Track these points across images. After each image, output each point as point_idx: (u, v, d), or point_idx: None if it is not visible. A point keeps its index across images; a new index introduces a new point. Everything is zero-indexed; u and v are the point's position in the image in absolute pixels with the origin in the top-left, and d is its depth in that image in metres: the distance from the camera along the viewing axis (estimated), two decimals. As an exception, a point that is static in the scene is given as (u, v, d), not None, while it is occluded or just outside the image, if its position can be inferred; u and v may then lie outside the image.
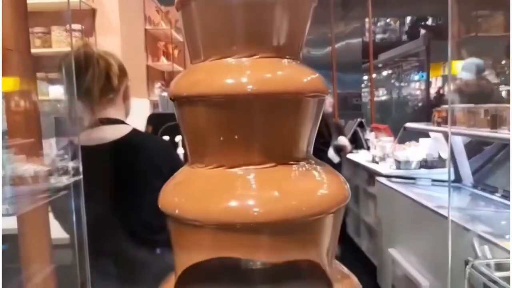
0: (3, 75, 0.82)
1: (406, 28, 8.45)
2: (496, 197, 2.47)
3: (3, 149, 0.83)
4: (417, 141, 3.37)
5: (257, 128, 0.54)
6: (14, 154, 0.86)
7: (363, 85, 7.65)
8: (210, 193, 0.53)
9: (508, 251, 1.63)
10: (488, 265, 1.27)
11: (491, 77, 6.69)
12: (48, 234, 0.90)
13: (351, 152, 3.58)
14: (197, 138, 0.57)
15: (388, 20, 8.75)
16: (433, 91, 7.14)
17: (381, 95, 8.99)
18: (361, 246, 3.70)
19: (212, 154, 0.56)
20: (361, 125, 4.33)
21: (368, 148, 3.96)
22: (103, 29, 3.10)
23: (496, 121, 2.21)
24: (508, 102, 2.85)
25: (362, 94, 7.14)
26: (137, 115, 1.37)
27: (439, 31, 6.95)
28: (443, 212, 2.28)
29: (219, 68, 0.55)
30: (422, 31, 7.77)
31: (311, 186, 0.54)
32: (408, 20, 8.42)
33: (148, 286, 1.02)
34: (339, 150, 3.07)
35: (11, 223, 0.87)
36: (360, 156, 3.81)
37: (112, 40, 3.09)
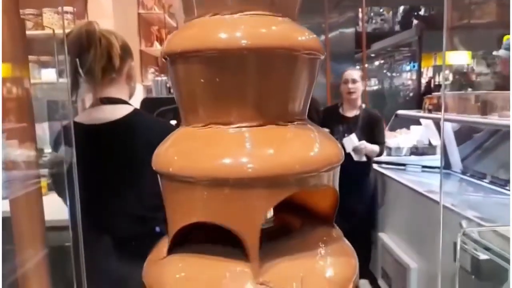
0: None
1: (399, 18, 8.46)
2: (484, 183, 2.53)
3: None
4: (408, 128, 3.41)
5: (252, 85, 0.54)
6: (6, 139, 0.87)
7: (355, 75, 7.64)
8: (204, 151, 0.53)
9: (496, 233, 1.67)
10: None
11: (481, 68, 6.74)
12: (42, 217, 0.90)
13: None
14: (191, 96, 0.57)
15: (381, 10, 8.75)
16: (424, 81, 7.19)
17: (373, 85, 9.02)
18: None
19: (205, 113, 0.56)
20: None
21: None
22: (95, 12, 3.06)
23: (486, 108, 2.25)
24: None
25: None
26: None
27: (431, 21, 6.96)
28: (433, 196, 2.33)
29: (212, 24, 0.55)
30: (415, 21, 7.78)
31: (305, 145, 0.54)
32: (401, 9, 8.43)
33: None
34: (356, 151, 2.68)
35: (4, 207, 0.88)
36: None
37: (105, 24, 3.03)
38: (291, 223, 0.57)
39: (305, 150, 0.53)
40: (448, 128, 2.73)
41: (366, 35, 5.16)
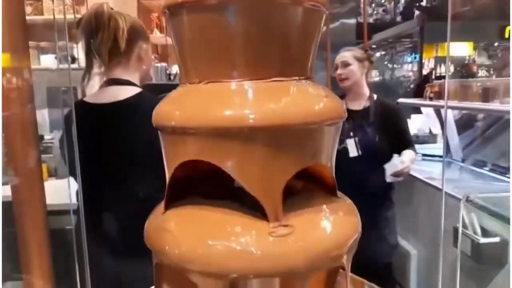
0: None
1: (401, 8, 8.40)
2: (484, 171, 2.53)
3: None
4: (409, 117, 3.41)
5: (254, 37, 0.53)
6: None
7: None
8: (206, 104, 0.52)
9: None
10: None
11: (483, 59, 6.71)
12: (43, 201, 0.91)
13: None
14: (192, 51, 0.56)
15: (383, 1, 8.70)
16: (425, 72, 7.15)
17: (374, 76, 8.99)
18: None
19: (207, 68, 0.55)
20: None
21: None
22: (95, -2, 3.04)
23: (488, 95, 2.24)
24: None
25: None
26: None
27: (433, 12, 6.92)
28: (433, 183, 2.33)
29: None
30: (417, 12, 7.73)
31: (308, 100, 0.53)
32: (403, 0, 8.38)
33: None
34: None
35: (5, 192, 0.89)
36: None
37: (104, 10, 3.03)
38: (293, 185, 0.56)
39: (308, 103, 0.53)
40: (449, 116, 2.73)
41: (367, 26, 5.13)
